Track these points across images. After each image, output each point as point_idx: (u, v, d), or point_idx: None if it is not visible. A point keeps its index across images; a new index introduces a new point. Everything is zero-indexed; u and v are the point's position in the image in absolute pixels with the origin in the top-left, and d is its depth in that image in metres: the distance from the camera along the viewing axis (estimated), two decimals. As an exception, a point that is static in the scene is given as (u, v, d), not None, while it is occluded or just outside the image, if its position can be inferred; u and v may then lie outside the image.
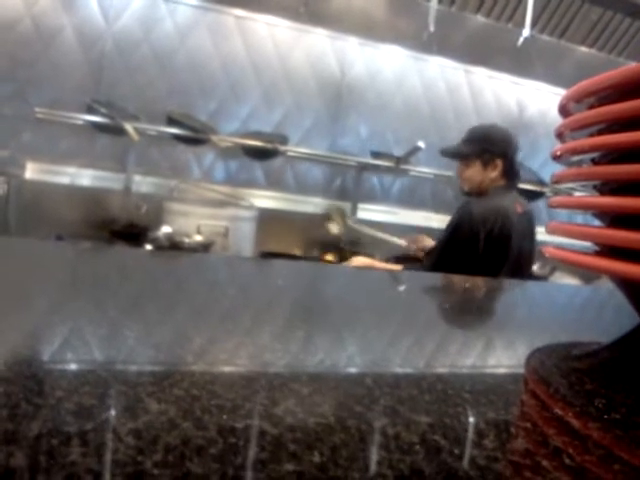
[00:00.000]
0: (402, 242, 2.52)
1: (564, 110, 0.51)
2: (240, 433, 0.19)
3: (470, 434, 0.22)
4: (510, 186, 2.11)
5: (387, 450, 0.19)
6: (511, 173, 2.09)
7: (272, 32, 2.93)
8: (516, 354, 0.39)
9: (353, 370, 0.30)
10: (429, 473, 0.18)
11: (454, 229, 1.97)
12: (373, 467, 0.18)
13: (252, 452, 0.18)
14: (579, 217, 0.54)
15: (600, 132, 0.44)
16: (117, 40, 2.68)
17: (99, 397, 0.21)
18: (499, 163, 2.05)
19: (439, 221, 3.01)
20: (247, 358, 0.29)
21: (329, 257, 2.96)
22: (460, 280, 0.86)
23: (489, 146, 2.06)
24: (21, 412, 0.19)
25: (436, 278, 0.97)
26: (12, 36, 2.52)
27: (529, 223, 2.11)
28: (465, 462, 0.19)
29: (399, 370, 0.31)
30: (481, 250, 1.91)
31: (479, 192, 2.09)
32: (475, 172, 2.08)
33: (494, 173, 2.05)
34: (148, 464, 0.16)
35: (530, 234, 2.11)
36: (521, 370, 0.33)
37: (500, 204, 2.00)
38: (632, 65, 0.40)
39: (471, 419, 0.23)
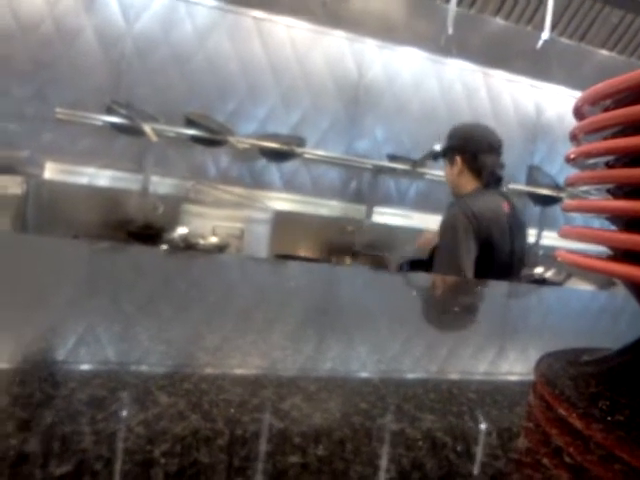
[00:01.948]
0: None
1: (579, 113, 0.51)
2: (247, 426, 0.20)
3: (473, 432, 0.22)
4: (487, 184, 2.02)
5: (390, 445, 0.20)
6: (477, 170, 2.01)
7: (290, 34, 2.94)
8: (526, 358, 0.39)
9: (361, 369, 0.30)
10: (431, 468, 0.18)
11: (442, 233, 1.94)
12: (376, 461, 0.18)
13: (258, 444, 0.18)
14: (596, 222, 0.54)
15: (615, 135, 0.44)
16: (137, 41, 2.71)
17: (111, 389, 0.21)
18: (458, 159, 2.02)
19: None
20: (257, 356, 0.30)
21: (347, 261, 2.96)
22: (472, 283, 0.85)
23: (449, 142, 2.07)
24: (35, 401, 0.19)
25: (446, 280, 0.97)
26: (34, 37, 2.55)
27: (518, 222, 2.04)
28: (467, 459, 0.19)
29: (407, 372, 0.31)
30: (469, 252, 1.87)
31: (455, 192, 2.08)
32: (446, 172, 2.10)
33: (456, 170, 2.03)
34: (156, 453, 0.17)
35: (520, 233, 2.05)
36: (530, 374, 0.34)
37: (481, 203, 1.94)
38: (647, 69, 0.40)
39: (475, 418, 0.24)
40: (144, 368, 0.26)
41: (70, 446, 0.17)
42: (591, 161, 0.49)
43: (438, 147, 2.28)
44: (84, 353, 0.27)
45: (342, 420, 0.21)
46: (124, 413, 0.20)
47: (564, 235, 0.50)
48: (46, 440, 0.17)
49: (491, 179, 2.03)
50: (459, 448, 0.20)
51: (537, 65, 3.29)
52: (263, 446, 0.18)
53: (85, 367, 0.25)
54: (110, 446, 0.17)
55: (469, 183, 2.02)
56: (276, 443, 0.19)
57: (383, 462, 0.18)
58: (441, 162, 2.25)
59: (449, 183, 2.11)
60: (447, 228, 1.91)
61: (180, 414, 0.20)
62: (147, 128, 2.57)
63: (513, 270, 2.02)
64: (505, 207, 1.99)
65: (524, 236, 2.11)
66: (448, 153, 2.06)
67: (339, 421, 0.21)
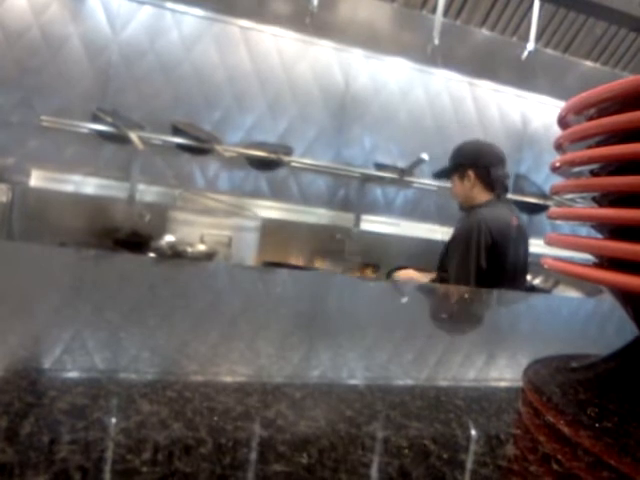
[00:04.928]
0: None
1: (563, 122, 0.51)
2: (230, 434, 0.19)
3: (461, 439, 0.22)
4: (498, 196, 2.17)
5: (377, 453, 0.19)
6: (489, 183, 2.14)
7: (277, 43, 2.94)
8: (515, 365, 0.39)
9: (347, 376, 0.30)
10: (417, 476, 0.18)
11: (457, 244, 2.04)
12: (362, 470, 0.18)
13: (241, 452, 0.18)
14: (582, 229, 0.54)
15: (599, 144, 0.45)
16: (123, 49, 2.70)
17: (92, 397, 0.21)
18: (471, 174, 2.12)
19: (443, 233, 3.01)
20: (242, 363, 0.29)
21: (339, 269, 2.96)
22: (461, 291, 0.86)
23: (460, 159, 2.17)
24: (14, 410, 0.19)
25: (436, 289, 0.97)
26: (20, 44, 2.54)
27: (523, 235, 2.18)
28: (454, 466, 0.19)
29: (394, 379, 0.31)
30: (483, 261, 1.95)
31: (467, 205, 2.18)
32: (456, 187, 2.20)
33: (469, 184, 2.13)
34: (137, 462, 0.16)
35: (524, 246, 2.19)
36: (518, 380, 0.33)
37: (495, 214, 2.07)
38: (631, 77, 0.40)
39: (462, 425, 0.23)
40: (127, 376, 0.26)
41: (49, 456, 0.16)
42: (576, 169, 0.49)
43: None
44: (67, 361, 0.26)
45: (328, 428, 0.21)
46: (105, 422, 0.19)
47: (550, 243, 0.50)
48: (24, 450, 0.16)
49: (502, 190, 2.19)
50: (446, 456, 0.20)
51: (522, 75, 3.32)
52: (247, 455, 0.18)
53: (67, 375, 0.25)
54: (90, 455, 0.16)
55: (481, 195, 2.13)
56: (260, 451, 0.18)
57: (369, 470, 0.18)
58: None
59: (459, 197, 2.21)
60: (462, 239, 2.03)
61: (162, 422, 0.19)
62: (133, 136, 2.56)
63: (517, 280, 2.14)
64: (514, 220, 2.13)
65: (527, 247, 2.23)
66: (459, 169, 2.15)
67: (324, 429, 0.21)
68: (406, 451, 0.19)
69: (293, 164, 3.00)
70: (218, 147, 2.79)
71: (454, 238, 2.10)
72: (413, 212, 3.29)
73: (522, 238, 2.17)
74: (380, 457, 0.19)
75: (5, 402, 0.19)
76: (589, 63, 3.39)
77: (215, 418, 0.20)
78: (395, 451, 0.19)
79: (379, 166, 3.14)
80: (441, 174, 2.33)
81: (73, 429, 0.18)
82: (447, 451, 0.20)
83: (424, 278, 2.37)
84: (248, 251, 2.66)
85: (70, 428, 0.18)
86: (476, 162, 2.13)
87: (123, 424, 0.19)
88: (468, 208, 2.17)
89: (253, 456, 0.18)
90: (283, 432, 0.20)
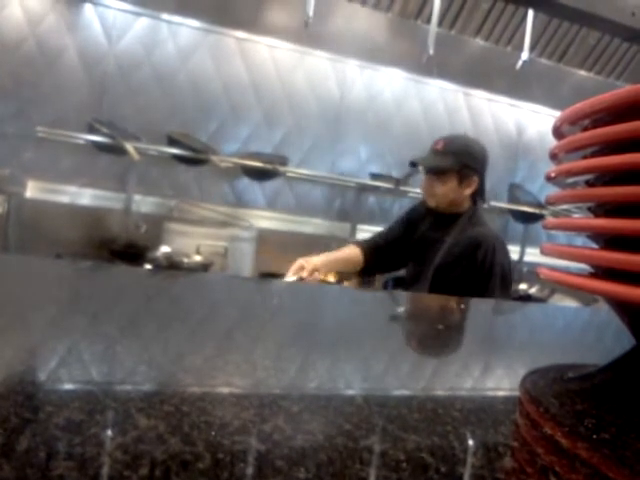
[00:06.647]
0: (292, 278, 1.81)
1: (558, 132, 0.51)
2: (228, 449, 0.19)
3: (458, 452, 0.22)
4: (476, 205, 1.90)
5: (374, 467, 0.19)
6: (482, 191, 1.88)
7: (273, 54, 2.95)
8: (512, 376, 0.39)
9: (344, 389, 0.30)
10: (415, 490, 0.18)
11: (476, 256, 1.73)
12: (360, 484, 0.18)
13: (238, 467, 0.18)
14: (579, 240, 0.54)
15: (594, 154, 0.45)
16: (119, 61, 2.70)
17: (89, 412, 0.21)
18: (475, 180, 1.83)
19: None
20: (239, 376, 0.29)
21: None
22: (458, 302, 0.85)
23: (469, 161, 1.83)
24: (11, 426, 0.19)
25: (434, 300, 0.97)
26: (16, 56, 2.54)
27: None
28: (451, 479, 0.19)
29: (392, 391, 0.31)
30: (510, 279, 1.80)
31: (451, 210, 1.87)
32: (450, 188, 1.83)
33: (468, 190, 1.83)
34: (134, 478, 0.16)
35: None
36: (515, 391, 0.33)
37: (492, 223, 1.93)
38: (625, 88, 0.40)
39: (460, 437, 0.23)
40: (124, 390, 0.26)
41: (45, 472, 0.16)
42: (571, 180, 0.49)
43: (438, 158, 2.09)
44: (63, 375, 0.26)
45: (325, 442, 0.21)
46: (102, 437, 0.19)
47: (545, 253, 0.50)
48: (21, 466, 0.16)
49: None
50: (444, 469, 0.20)
51: (517, 85, 3.33)
52: (244, 470, 0.18)
53: (64, 389, 0.25)
54: (87, 472, 0.16)
55: (466, 201, 1.86)
56: (258, 466, 0.18)
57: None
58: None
59: (444, 199, 1.86)
60: (482, 251, 1.73)
61: (160, 437, 0.19)
62: (129, 147, 2.56)
63: None
64: None
65: None
66: (463, 170, 1.82)
67: (322, 443, 0.21)
68: (404, 464, 0.19)
69: (289, 174, 3.00)
70: (214, 157, 2.79)
71: (459, 250, 1.77)
72: (409, 221, 3.29)
73: None
74: (378, 471, 0.19)
75: (1, 417, 0.19)
76: (583, 72, 3.40)
77: (212, 432, 0.20)
78: (393, 464, 0.19)
79: (374, 176, 3.15)
80: (434, 168, 1.86)
81: (70, 445, 0.18)
82: (445, 464, 0.20)
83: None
84: (244, 261, 2.66)
85: (67, 444, 0.18)
86: (483, 170, 1.85)
87: (120, 439, 0.19)
88: (449, 214, 1.87)
89: (250, 471, 0.18)
90: (280, 446, 0.20)
